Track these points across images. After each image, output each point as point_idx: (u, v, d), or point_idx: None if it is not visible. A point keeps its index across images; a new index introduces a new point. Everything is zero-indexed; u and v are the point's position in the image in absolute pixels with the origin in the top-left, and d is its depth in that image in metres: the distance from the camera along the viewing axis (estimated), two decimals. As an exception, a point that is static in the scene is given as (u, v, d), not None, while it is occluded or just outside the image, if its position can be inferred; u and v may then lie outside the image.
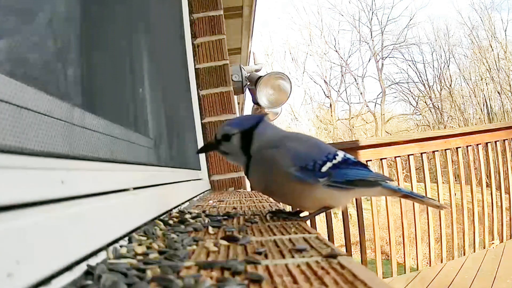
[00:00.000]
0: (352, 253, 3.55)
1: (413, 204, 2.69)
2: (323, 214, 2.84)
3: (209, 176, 2.03)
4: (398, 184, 2.75)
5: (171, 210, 0.84)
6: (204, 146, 0.86)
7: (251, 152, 0.78)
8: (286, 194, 0.77)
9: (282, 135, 0.80)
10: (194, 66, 2.08)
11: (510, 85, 15.36)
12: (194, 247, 0.50)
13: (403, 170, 4.35)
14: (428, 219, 2.70)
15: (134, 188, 0.65)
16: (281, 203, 1.35)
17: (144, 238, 0.53)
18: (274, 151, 0.74)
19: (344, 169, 0.76)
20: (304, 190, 0.74)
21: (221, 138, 0.80)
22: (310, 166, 0.73)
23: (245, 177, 0.82)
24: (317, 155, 0.75)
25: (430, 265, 2.73)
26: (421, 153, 2.80)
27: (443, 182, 3.28)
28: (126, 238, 0.51)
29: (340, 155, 0.77)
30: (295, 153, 0.74)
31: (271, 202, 1.13)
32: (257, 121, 0.80)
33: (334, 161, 0.75)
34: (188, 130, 1.77)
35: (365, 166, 0.82)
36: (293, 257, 0.44)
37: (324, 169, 0.73)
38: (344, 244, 2.64)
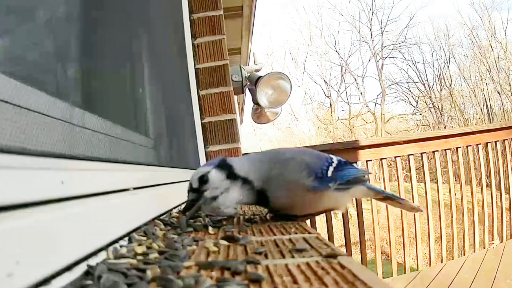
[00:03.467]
0: (352, 253, 3.55)
1: (413, 204, 2.69)
2: (323, 214, 2.83)
3: (209, 176, 2.02)
4: (398, 184, 2.76)
5: (171, 210, 0.84)
6: (187, 208, 0.69)
7: (243, 175, 0.70)
8: (302, 205, 0.75)
9: (271, 155, 0.75)
10: (194, 66, 2.08)
11: (510, 85, 15.36)
12: (194, 247, 0.50)
13: (403, 170, 4.35)
14: (428, 219, 2.70)
15: (134, 188, 0.65)
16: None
17: (144, 238, 0.53)
18: (285, 168, 0.71)
19: (342, 171, 0.77)
20: (316, 197, 0.74)
21: (198, 185, 0.69)
22: (319, 173, 0.72)
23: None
24: (320, 161, 0.75)
25: (430, 265, 2.73)
26: (421, 153, 2.80)
27: (443, 182, 3.28)
28: (126, 238, 0.51)
29: (334, 158, 0.79)
30: (306, 164, 0.72)
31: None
32: (221, 159, 0.73)
33: (334, 165, 0.76)
34: (188, 130, 1.77)
35: (351, 164, 0.84)
36: (293, 257, 0.44)
37: (329, 173, 0.74)
38: (344, 244, 2.64)
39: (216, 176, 0.69)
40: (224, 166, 0.71)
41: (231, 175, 0.70)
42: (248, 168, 0.72)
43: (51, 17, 0.54)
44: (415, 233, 2.68)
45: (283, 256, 0.44)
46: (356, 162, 2.62)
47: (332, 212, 2.96)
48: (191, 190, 0.70)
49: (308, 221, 0.77)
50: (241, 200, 0.71)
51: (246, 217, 0.78)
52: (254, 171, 0.71)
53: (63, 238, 0.34)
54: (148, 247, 0.48)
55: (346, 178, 0.76)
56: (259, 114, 2.96)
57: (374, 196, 0.91)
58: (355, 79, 18.34)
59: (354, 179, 0.79)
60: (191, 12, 2.11)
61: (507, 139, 2.96)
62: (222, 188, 0.69)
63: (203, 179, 0.69)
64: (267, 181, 0.71)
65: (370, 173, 0.90)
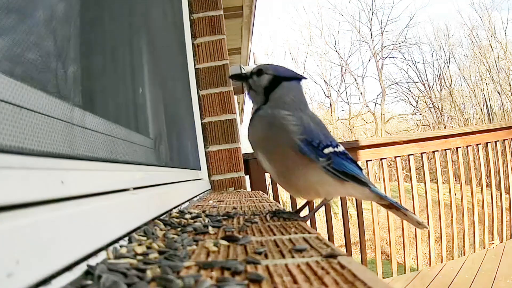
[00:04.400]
0: (352, 253, 3.55)
1: (413, 204, 2.69)
2: (323, 214, 2.83)
3: (209, 176, 2.03)
4: (398, 184, 2.76)
5: (171, 210, 0.84)
6: (237, 75, 0.89)
7: (270, 97, 0.80)
8: (282, 161, 0.76)
9: (300, 106, 0.80)
10: (194, 66, 2.08)
11: (510, 85, 15.35)
12: (194, 247, 0.50)
13: (403, 170, 4.35)
14: (428, 219, 2.70)
15: (134, 188, 0.65)
16: (280, 203, 1.35)
17: (144, 238, 0.53)
18: (288, 115, 0.75)
19: (343, 160, 0.77)
20: (303, 164, 0.74)
21: (255, 72, 0.82)
22: (315, 143, 0.74)
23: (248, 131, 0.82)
24: (323, 137, 0.76)
25: (430, 265, 2.72)
26: (421, 153, 2.80)
27: (443, 182, 3.28)
28: (126, 238, 0.51)
29: (341, 147, 0.80)
30: (306, 126, 0.75)
31: (271, 202, 1.13)
32: (295, 76, 0.83)
33: (336, 149, 0.77)
34: (188, 130, 1.77)
35: (359, 167, 0.83)
36: (293, 257, 0.44)
37: (326, 151, 0.75)
38: (344, 244, 2.64)
39: (263, 80, 0.81)
40: (277, 83, 0.80)
41: (267, 92, 0.81)
42: (288, 95, 0.80)
43: (52, 17, 0.54)
44: (415, 233, 2.68)
45: (283, 256, 0.44)
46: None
47: (331, 211, 2.96)
48: (251, 72, 0.83)
49: (308, 221, 0.76)
50: (255, 100, 0.84)
51: (246, 217, 0.78)
52: (286, 98, 0.79)
53: (63, 238, 0.34)
54: (148, 247, 0.48)
55: (343, 168, 0.76)
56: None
57: (378, 201, 0.87)
58: (355, 79, 18.34)
59: (353, 176, 0.78)
60: (191, 12, 2.11)
61: (507, 139, 2.96)
62: (256, 88, 0.82)
63: (260, 72, 0.82)
64: (273, 112, 0.77)
65: (375, 186, 0.88)
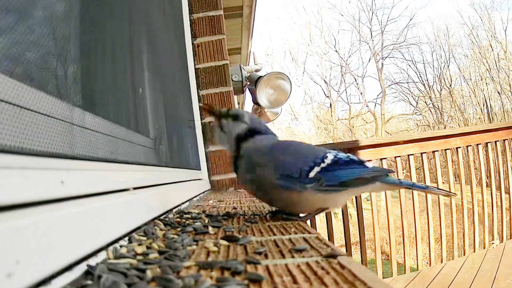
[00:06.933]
0: (352, 253, 3.55)
1: (413, 204, 2.69)
2: (323, 214, 2.83)
3: (209, 176, 2.03)
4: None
5: (171, 210, 0.84)
6: (213, 111, 0.81)
7: (242, 146, 0.77)
8: (274, 200, 0.77)
9: (272, 144, 0.78)
10: (194, 66, 2.08)
11: (510, 85, 15.35)
12: (194, 247, 0.50)
13: (403, 170, 4.35)
14: (428, 219, 2.70)
15: (134, 188, 0.65)
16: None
17: (144, 238, 0.53)
18: (260, 158, 0.74)
19: (335, 171, 0.74)
20: (292, 196, 0.73)
21: (232, 114, 0.79)
22: (296, 174, 0.72)
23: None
24: (303, 162, 0.74)
25: (430, 265, 2.72)
26: (421, 153, 2.80)
27: (443, 182, 3.28)
28: (126, 238, 0.51)
29: (330, 156, 0.76)
30: (277, 163, 0.73)
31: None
32: (267, 132, 0.80)
33: (323, 165, 0.74)
34: (188, 130, 1.77)
35: (360, 162, 0.80)
36: (293, 257, 0.44)
37: (312, 174, 0.72)
38: (344, 244, 2.64)
39: (237, 128, 0.78)
40: (250, 135, 0.78)
41: (238, 142, 0.78)
42: (261, 142, 0.78)
43: (52, 17, 0.54)
44: (415, 233, 2.68)
45: (283, 256, 0.44)
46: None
47: (332, 212, 2.96)
48: (227, 110, 0.80)
49: (308, 221, 0.76)
50: (222, 143, 0.81)
51: (246, 217, 0.78)
52: (257, 146, 0.77)
53: (63, 238, 0.34)
54: (148, 247, 0.48)
55: (338, 179, 0.74)
56: (259, 114, 2.96)
57: (393, 188, 0.87)
58: (355, 79, 18.34)
59: (355, 180, 0.76)
60: (191, 12, 2.11)
61: (507, 139, 2.96)
62: (227, 133, 0.79)
63: (237, 118, 0.79)
64: (249, 162, 0.76)
65: (392, 171, 0.87)
